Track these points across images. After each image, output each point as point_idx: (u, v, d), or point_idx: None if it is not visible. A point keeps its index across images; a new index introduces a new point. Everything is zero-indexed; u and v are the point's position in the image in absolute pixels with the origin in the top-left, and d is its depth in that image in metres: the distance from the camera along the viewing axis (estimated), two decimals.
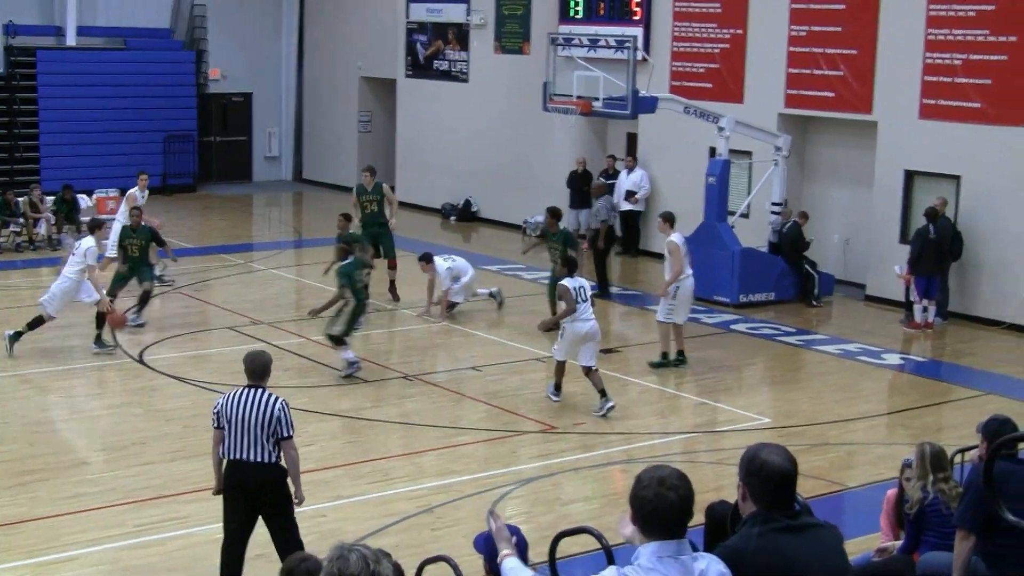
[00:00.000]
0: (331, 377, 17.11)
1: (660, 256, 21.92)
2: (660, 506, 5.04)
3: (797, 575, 5.31)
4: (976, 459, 9.15)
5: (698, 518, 9.45)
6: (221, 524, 10.36)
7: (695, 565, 5.11)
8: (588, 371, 15.62)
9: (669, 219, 18.12)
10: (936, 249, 20.49)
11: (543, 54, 24.48)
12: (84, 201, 27.33)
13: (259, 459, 9.96)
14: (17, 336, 17.85)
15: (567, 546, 8.89)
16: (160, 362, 17.73)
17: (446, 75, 31.81)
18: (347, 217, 20.15)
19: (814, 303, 22.30)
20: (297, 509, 10.31)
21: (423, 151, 32.24)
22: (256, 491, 10.10)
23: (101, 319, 18.05)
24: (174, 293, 22.13)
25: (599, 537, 7.55)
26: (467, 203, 31.12)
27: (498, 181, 30.36)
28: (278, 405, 9.97)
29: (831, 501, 12.91)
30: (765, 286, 22.30)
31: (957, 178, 21.38)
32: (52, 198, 27.11)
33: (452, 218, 31.07)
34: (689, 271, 17.82)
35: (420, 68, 32.57)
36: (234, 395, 10.07)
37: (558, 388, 16.13)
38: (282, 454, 10.05)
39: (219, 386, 16.55)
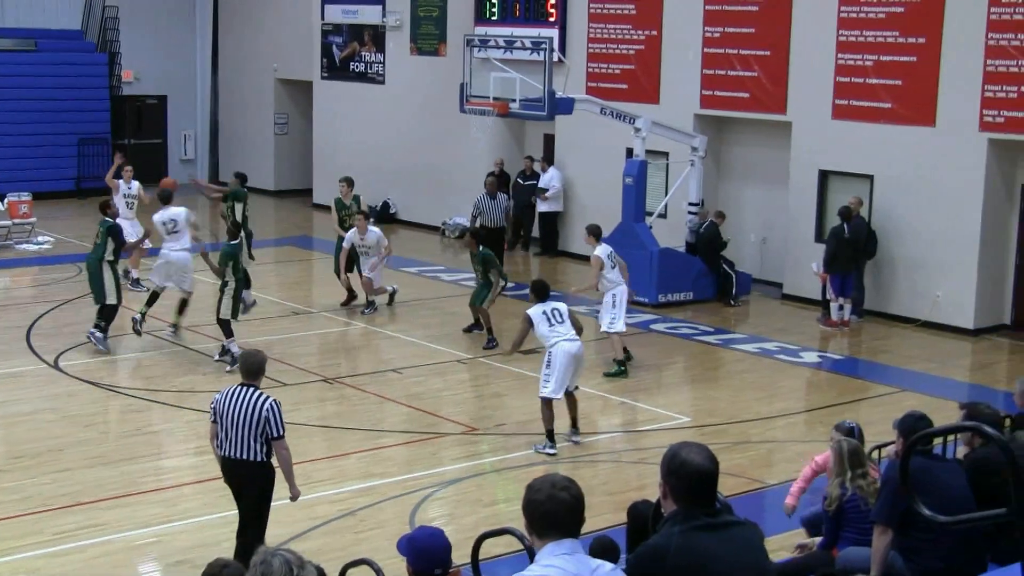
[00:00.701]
0: None
1: (577, 256, 22.01)
2: (552, 508, 5.14)
3: (718, 573, 5.35)
4: (893, 455, 9.29)
5: (621, 517, 9.52)
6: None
7: (590, 562, 5.20)
8: (568, 393, 14.59)
9: (593, 232, 18.19)
10: (851, 248, 20.76)
11: (459, 55, 24.50)
12: None
13: (245, 457, 10.14)
14: (175, 328, 18.88)
15: (490, 547, 8.92)
16: (76, 367, 17.51)
17: (362, 77, 31.71)
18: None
19: (732, 302, 22.49)
20: (293, 503, 10.79)
21: (340, 153, 32.08)
22: (241, 487, 10.34)
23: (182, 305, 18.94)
24: (90, 298, 21.78)
25: (521, 538, 7.58)
26: (385, 205, 31.03)
27: (416, 183, 30.31)
28: (267, 405, 10.10)
29: (751, 499, 13.03)
30: (683, 286, 22.46)
31: (870, 177, 21.68)
32: None
33: (370, 220, 30.91)
34: (620, 281, 17.89)
35: (336, 70, 32.44)
36: (228, 392, 10.25)
37: (551, 436, 14.38)
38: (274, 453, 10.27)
39: (136, 391, 16.43)
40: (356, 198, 21.92)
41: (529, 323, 14.48)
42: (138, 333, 18.52)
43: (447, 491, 13.29)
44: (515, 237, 27.29)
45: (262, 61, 35.07)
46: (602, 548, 7.77)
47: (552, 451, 14.31)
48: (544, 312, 14.37)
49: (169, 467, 13.67)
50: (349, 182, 22.13)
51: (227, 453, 10.20)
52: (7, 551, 11.41)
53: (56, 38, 34.38)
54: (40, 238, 27.07)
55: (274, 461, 10.35)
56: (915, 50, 20.92)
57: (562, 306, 14.61)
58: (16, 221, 27.16)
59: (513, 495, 13.28)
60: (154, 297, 19.00)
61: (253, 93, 35.68)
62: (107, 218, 18.43)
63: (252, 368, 10.38)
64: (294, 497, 10.57)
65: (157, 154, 36.49)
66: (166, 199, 19.59)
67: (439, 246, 28.31)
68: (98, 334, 18.06)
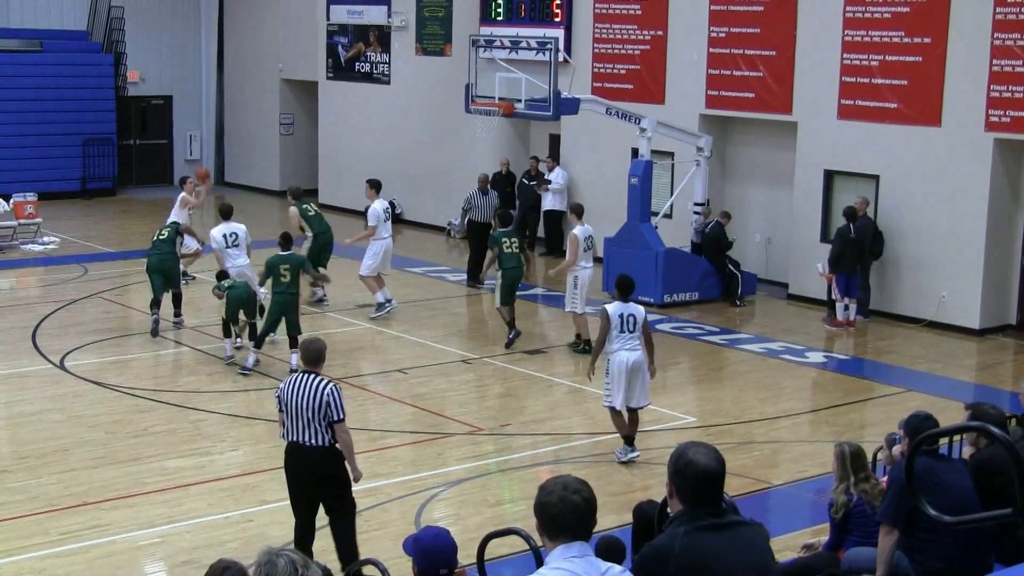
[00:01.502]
0: (256, 381, 17.01)
1: None
2: (564, 510, 5.12)
3: (723, 573, 5.35)
4: (898, 455, 9.27)
5: (626, 518, 9.51)
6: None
7: (600, 565, 5.18)
8: (632, 410, 14.10)
9: (576, 211, 18.92)
10: (856, 248, 20.74)
11: (464, 56, 24.48)
12: (1, 205, 26.90)
13: (311, 442, 10.32)
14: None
15: (495, 547, 8.92)
16: (81, 368, 17.52)
17: (367, 77, 31.71)
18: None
19: (737, 302, 22.47)
20: (344, 498, 10.69)
21: (345, 153, 32.11)
22: (311, 475, 10.47)
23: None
24: (96, 298, 21.85)
25: (527, 538, 7.58)
26: (391, 205, 30.99)
27: (421, 183, 30.31)
28: (327, 389, 10.30)
29: (756, 499, 13.02)
30: (689, 286, 22.43)
31: (876, 177, 21.66)
32: None
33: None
34: (586, 265, 18.34)
35: (341, 70, 32.45)
36: (291, 380, 10.48)
37: (629, 441, 13.97)
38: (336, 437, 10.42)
39: (141, 391, 16.42)
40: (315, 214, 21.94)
41: (609, 323, 13.74)
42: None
43: (452, 491, 13.27)
44: (520, 237, 27.24)
45: (267, 61, 35.08)
46: (607, 548, 7.75)
47: (634, 454, 13.95)
48: (621, 315, 13.74)
49: (174, 467, 13.66)
50: (288, 192, 22.31)
51: (293, 438, 10.40)
52: (12, 551, 11.42)
53: (61, 39, 34.40)
54: (45, 238, 27.08)
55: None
56: (921, 50, 20.90)
57: (639, 313, 13.88)
58: (22, 221, 27.16)
59: (518, 495, 13.29)
60: None
61: (258, 93, 35.69)
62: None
63: (312, 355, 10.60)
64: (356, 479, 10.70)
65: (162, 155, 36.55)
66: (227, 213, 19.66)
67: (444, 246, 28.31)
68: (180, 320, 19.17)
